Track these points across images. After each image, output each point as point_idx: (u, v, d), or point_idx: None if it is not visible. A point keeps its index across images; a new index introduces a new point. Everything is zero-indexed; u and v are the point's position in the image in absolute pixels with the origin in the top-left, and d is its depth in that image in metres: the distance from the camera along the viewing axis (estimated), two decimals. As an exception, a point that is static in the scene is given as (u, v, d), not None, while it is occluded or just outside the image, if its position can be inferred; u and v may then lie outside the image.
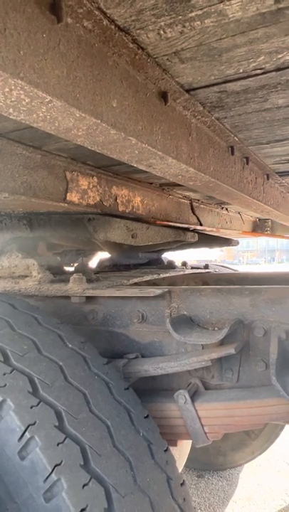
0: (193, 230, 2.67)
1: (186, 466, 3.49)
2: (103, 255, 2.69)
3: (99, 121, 0.72)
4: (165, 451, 1.12)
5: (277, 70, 0.93)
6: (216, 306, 1.49)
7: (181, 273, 2.49)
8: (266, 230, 4.31)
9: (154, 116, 0.98)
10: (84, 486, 0.83)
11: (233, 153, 1.49)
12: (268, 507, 3.03)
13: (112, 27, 0.74)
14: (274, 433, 3.26)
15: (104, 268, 2.49)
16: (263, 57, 0.88)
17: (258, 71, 0.94)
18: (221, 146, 1.42)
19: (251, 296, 1.44)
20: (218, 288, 1.51)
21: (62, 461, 0.84)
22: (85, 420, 0.96)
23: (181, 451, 2.26)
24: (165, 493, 1.02)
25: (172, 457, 1.12)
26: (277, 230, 4.36)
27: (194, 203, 2.72)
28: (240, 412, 1.24)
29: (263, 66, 0.92)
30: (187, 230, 2.36)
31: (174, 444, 1.34)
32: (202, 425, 1.27)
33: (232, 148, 1.49)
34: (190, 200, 2.68)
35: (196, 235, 2.36)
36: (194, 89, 1.03)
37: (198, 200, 2.78)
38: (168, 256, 3.14)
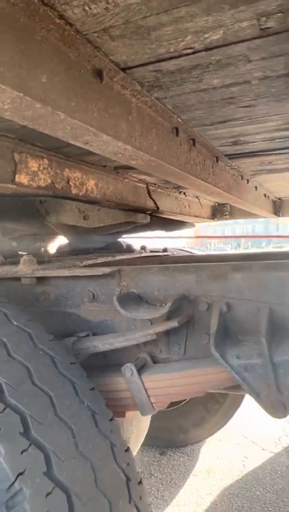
0: (146, 212, 2.71)
1: (149, 444, 3.60)
2: (62, 241, 2.69)
3: (22, 94, 0.73)
4: (110, 420, 1.17)
5: (206, 49, 0.97)
6: (162, 283, 1.54)
7: (138, 256, 2.53)
8: (225, 214, 4.41)
9: (90, 93, 0.99)
10: (23, 451, 0.86)
11: (178, 135, 1.53)
12: (226, 478, 3.18)
13: (36, 1, 0.75)
14: (231, 409, 3.40)
15: (62, 253, 2.49)
16: (190, 36, 0.91)
17: (188, 50, 0.97)
18: (165, 127, 1.45)
19: (196, 272, 1.50)
20: (165, 266, 1.56)
21: (0, 429, 0.86)
22: (27, 391, 0.98)
23: (140, 425, 2.33)
24: (108, 458, 1.07)
25: (117, 426, 1.17)
26: (235, 214, 4.47)
27: (151, 187, 2.75)
28: (183, 381, 1.30)
29: (192, 46, 0.95)
30: (138, 211, 2.39)
31: (123, 415, 1.39)
32: (148, 396, 1.33)
33: (176, 129, 1.52)
34: (146, 183, 2.70)
35: (148, 216, 2.40)
36: (130, 67, 1.06)
37: (155, 184, 2.81)
38: (127, 240, 3.17)
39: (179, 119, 1.46)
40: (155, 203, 2.80)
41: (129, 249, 2.89)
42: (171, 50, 0.97)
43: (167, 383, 1.32)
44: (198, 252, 3.90)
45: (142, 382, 1.33)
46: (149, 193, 2.73)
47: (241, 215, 4.48)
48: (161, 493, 3.02)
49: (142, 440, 2.42)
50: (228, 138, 1.77)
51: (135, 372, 1.34)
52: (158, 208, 2.82)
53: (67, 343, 1.43)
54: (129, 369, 1.34)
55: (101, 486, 0.98)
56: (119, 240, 2.96)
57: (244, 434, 3.84)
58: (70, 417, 1.03)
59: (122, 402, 1.36)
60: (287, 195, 4.08)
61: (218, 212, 4.36)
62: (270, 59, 1.02)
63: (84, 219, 1.84)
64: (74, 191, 1.97)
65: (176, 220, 3.05)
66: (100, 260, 2.06)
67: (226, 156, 2.10)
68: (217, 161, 2.07)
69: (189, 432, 3.51)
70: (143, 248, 3.09)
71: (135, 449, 2.35)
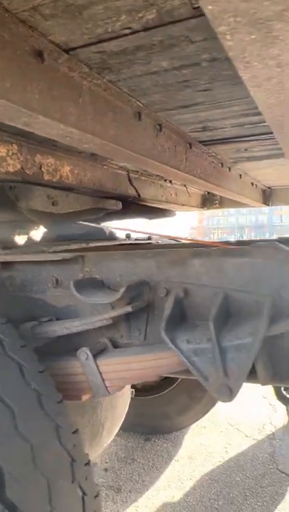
0: (127, 200, 2.70)
1: (133, 430, 3.64)
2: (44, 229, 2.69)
3: None
4: (58, 402, 1.18)
5: (145, 30, 0.96)
6: (124, 269, 1.54)
7: (117, 243, 2.53)
8: (215, 203, 4.39)
9: (29, 74, 0.98)
10: None
11: (140, 119, 1.52)
12: (207, 464, 3.22)
13: None
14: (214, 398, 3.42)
15: (38, 241, 2.49)
16: (124, 16, 0.90)
17: (127, 31, 0.96)
18: (125, 111, 1.44)
19: (156, 258, 1.50)
20: (127, 252, 1.56)
21: None
22: None
23: (116, 412, 2.36)
24: (51, 440, 1.08)
25: (65, 408, 1.18)
26: (225, 204, 4.45)
27: (132, 174, 2.74)
28: (137, 365, 1.31)
29: (130, 26, 0.94)
30: (108, 197, 2.38)
31: (79, 398, 1.40)
32: (103, 379, 1.34)
33: (139, 113, 1.51)
34: (127, 171, 2.69)
35: (120, 202, 2.39)
36: (72, 48, 1.04)
37: (137, 171, 2.79)
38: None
39: (139, 103, 1.45)
40: (136, 191, 2.79)
41: (112, 237, 2.89)
42: (109, 30, 0.96)
43: (122, 367, 1.33)
44: (185, 241, 3.88)
45: (97, 366, 1.35)
46: (130, 180, 2.72)
47: (232, 205, 4.45)
48: (142, 478, 3.06)
49: (118, 426, 2.45)
50: (195, 123, 1.75)
51: (90, 356, 1.35)
52: (139, 195, 2.80)
53: (26, 327, 1.44)
54: (84, 353, 1.35)
55: (40, 466, 0.99)
56: (101, 227, 2.96)
57: (229, 422, 3.87)
58: (13, 399, 1.04)
59: (78, 385, 1.38)
60: (276, 184, 4.05)
61: (207, 201, 4.33)
62: (212, 40, 1.00)
63: (53, 205, 1.84)
64: (47, 177, 1.96)
65: (156, 208, 3.04)
66: (73, 247, 2.06)
67: (200, 142, 2.08)
68: (191, 148, 2.06)
69: (173, 419, 3.55)
70: (127, 236, 3.09)
71: (111, 434, 2.38)
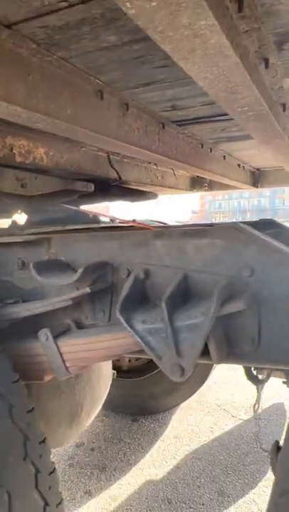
0: (109, 182, 2.67)
1: (121, 411, 3.70)
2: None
3: None
4: (14, 382, 1.19)
5: (83, 2, 0.93)
6: (88, 250, 1.54)
7: (96, 226, 2.53)
8: (204, 186, 4.36)
9: None
10: None
11: (102, 98, 1.49)
12: (192, 443, 3.27)
13: None
14: (201, 378, 3.46)
15: (19, 225, 2.48)
16: (57, -13, 0.87)
17: (64, 3, 0.93)
18: (85, 89, 1.41)
19: (119, 240, 1.50)
20: (92, 234, 1.56)
21: None
22: None
23: (95, 393, 2.38)
24: (3, 418, 1.09)
25: (21, 387, 1.20)
26: (215, 187, 4.41)
27: (112, 156, 2.70)
28: (96, 346, 1.32)
29: (65, -3, 0.91)
30: (78, 179, 2.36)
31: (41, 379, 1.42)
32: (63, 360, 1.35)
33: (101, 92, 1.48)
34: (107, 152, 2.65)
35: (92, 184, 2.37)
36: (14, 23, 1.02)
37: (118, 153, 2.76)
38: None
39: (98, 81, 1.42)
40: (118, 173, 2.76)
41: (95, 220, 2.88)
42: (46, 3, 0.93)
43: (81, 348, 1.34)
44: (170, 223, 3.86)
45: (58, 347, 1.35)
46: (110, 162, 2.69)
47: (222, 187, 4.41)
48: (128, 457, 3.12)
49: (99, 407, 2.48)
50: (164, 102, 1.72)
51: (50, 337, 1.35)
52: (120, 177, 2.78)
53: (-11, 309, 1.44)
54: (44, 334, 1.36)
55: (-12, 443, 1.01)
56: (84, 210, 2.94)
57: (217, 402, 3.92)
58: None
59: (39, 365, 1.39)
60: (265, 166, 4.00)
61: (196, 183, 4.29)
62: (155, 12, 0.97)
63: (22, 187, 1.83)
64: (19, 159, 1.94)
65: (137, 190, 3.01)
66: (46, 230, 2.06)
67: (173, 122, 2.05)
68: (164, 128, 2.02)
69: (160, 400, 3.59)
70: (112, 220, 3.07)
71: (91, 415, 2.41)
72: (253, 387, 3.10)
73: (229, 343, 1.29)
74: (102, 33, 1.08)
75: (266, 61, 1.24)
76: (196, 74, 0.88)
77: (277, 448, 0.55)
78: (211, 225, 1.74)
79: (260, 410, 3.76)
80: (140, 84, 1.47)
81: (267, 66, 1.25)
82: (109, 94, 1.53)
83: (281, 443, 0.55)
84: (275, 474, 0.49)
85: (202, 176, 3.11)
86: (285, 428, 2.63)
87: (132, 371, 3.59)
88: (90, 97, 1.45)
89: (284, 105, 1.72)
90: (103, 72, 1.36)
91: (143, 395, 3.61)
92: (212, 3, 0.60)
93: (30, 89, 1.16)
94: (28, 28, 1.04)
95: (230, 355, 1.28)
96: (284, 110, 1.75)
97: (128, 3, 0.57)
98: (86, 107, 1.42)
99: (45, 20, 1.01)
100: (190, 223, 4.09)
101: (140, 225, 2.46)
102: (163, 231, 1.46)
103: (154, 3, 0.56)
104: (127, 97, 1.62)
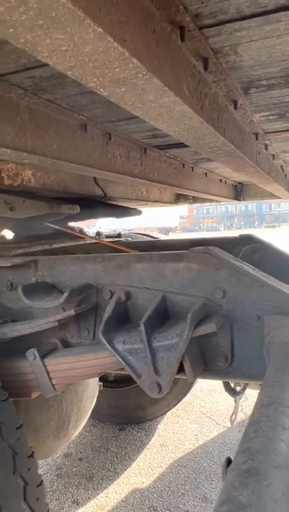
0: (94, 199, 2.77)
1: (109, 421, 3.77)
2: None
3: None
4: (3, 400, 1.28)
5: (65, 60, 1.03)
6: (74, 273, 1.63)
7: (82, 242, 2.62)
8: (188, 199, 4.49)
9: None
10: None
11: (86, 130, 1.60)
12: (178, 451, 3.36)
13: None
14: (185, 387, 3.56)
15: (5, 242, 2.57)
16: (42, 49, 0.97)
17: (49, 61, 1.04)
18: (70, 124, 1.52)
19: (103, 262, 1.60)
20: (76, 256, 1.65)
21: None
22: None
23: (82, 405, 2.46)
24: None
25: (10, 405, 1.28)
26: (199, 199, 4.54)
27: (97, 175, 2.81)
28: (80, 364, 1.41)
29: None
30: (64, 202, 2.46)
31: (29, 396, 1.50)
32: (50, 378, 1.44)
33: (85, 125, 1.59)
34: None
35: (77, 206, 2.47)
36: (3, 75, 1.12)
37: (100, 177, 2.86)
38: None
39: (82, 116, 1.53)
40: (103, 191, 2.86)
41: (80, 236, 2.97)
42: (32, 60, 1.03)
43: (66, 366, 1.43)
44: (158, 238, 3.98)
45: (45, 366, 1.44)
46: (96, 180, 2.79)
47: (205, 200, 4.55)
48: (114, 466, 3.19)
49: (86, 418, 2.56)
50: (144, 132, 1.83)
51: (38, 356, 1.44)
52: (106, 195, 2.88)
53: (-21, 329, 1.53)
54: (31, 354, 1.44)
55: (-21, 459, 1.09)
56: (71, 225, 3.04)
57: (202, 410, 4.02)
58: None
59: (27, 383, 1.47)
60: (246, 180, 4.14)
61: (181, 197, 4.42)
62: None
63: (10, 210, 1.92)
64: (7, 182, 2.03)
65: (122, 207, 3.12)
66: (34, 249, 2.14)
67: (154, 147, 2.17)
68: (145, 152, 2.14)
69: (147, 409, 3.68)
70: (98, 234, 3.17)
71: (78, 426, 2.49)
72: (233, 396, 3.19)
73: (204, 360, 1.39)
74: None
75: (235, 103, 1.37)
76: (165, 128, 0.99)
77: (228, 463, 0.65)
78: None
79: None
80: (122, 118, 1.59)
81: (236, 107, 1.37)
82: (93, 126, 1.64)
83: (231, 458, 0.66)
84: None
85: (185, 193, 3.23)
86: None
87: (119, 381, 3.67)
88: (75, 131, 1.55)
89: (256, 134, 1.85)
90: (86, 110, 1.47)
91: (130, 405, 3.69)
92: (173, 85, 0.72)
93: (18, 129, 1.26)
94: (16, 78, 1.15)
95: (205, 371, 1.39)
96: (257, 139, 1.88)
97: (102, 89, 0.68)
98: (70, 140, 1.53)
99: (32, 73, 1.11)
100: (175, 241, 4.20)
101: (106, 243, 2.55)
102: (144, 254, 1.56)
103: (123, 89, 0.67)
104: (109, 128, 1.73)
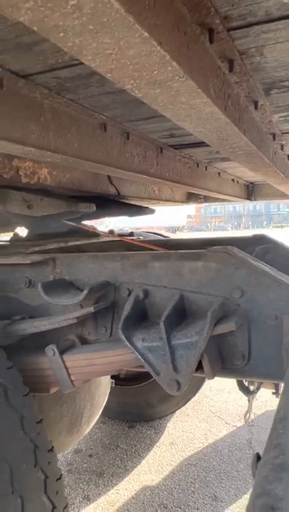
0: (108, 198, 2.79)
1: (118, 418, 3.80)
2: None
3: None
4: (25, 395, 1.30)
5: (92, 61, 1.05)
6: (92, 271, 1.65)
7: (96, 240, 2.64)
8: (200, 198, 4.49)
9: (-11, 100, 1.08)
10: None
11: (106, 130, 1.61)
12: (187, 449, 3.38)
13: None
14: (195, 386, 3.57)
15: (21, 239, 2.60)
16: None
17: (76, 61, 1.06)
18: (90, 124, 1.53)
19: (121, 261, 1.61)
20: (95, 254, 1.67)
21: None
22: None
23: (95, 401, 2.49)
24: (15, 428, 1.20)
25: (31, 400, 1.30)
26: (210, 199, 4.54)
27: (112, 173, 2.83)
28: (99, 361, 1.43)
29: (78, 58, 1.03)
30: (84, 198, 2.48)
31: (47, 391, 1.53)
32: (68, 374, 1.46)
33: (104, 125, 1.60)
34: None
35: (94, 205, 2.49)
36: (30, 75, 1.14)
37: (117, 175, 2.87)
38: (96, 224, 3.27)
39: (102, 116, 1.55)
40: (116, 189, 2.88)
41: (94, 234, 3.00)
42: (60, 61, 1.05)
43: (85, 363, 1.45)
44: (169, 236, 3.99)
45: (63, 362, 1.46)
46: (110, 179, 2.81)
47: (216, 199, 4.55)
48: (124, 463, 3.22)
49: (98, 415, 2.58)
50: (162, 131, 1.84)
51: (57, 352, 1.46)
52: (119, 193, 2.90)
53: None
54: (51, 350, 1.47)
55: (3, 452, 1.12)
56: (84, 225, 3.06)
57: (211, 410, 4.03)
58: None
59: (46, 379, 1.50)
60: (258, 180, 4.14)
61: (192, 196, 4.42)
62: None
63: (28, 208, 1.94)
64: (24, 180, 2.05)
65: (136, 206, 3.14)
66: (50, 246, 2.17)
67: (170, 146, 2.18)
68: (162, 152, 2.15)
69: (156, 407, 3.70)
70: (111, 232, 3.19)
71: (90, 422, 2.52)
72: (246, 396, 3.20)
73: (221, 358, 1.40)
74: (109, 82, 1.20)
75: (256, 103, 1.37)
76: (191, 129, 1.00)
77: (258, 458, 0.67)
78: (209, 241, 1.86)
79: (252, 417, 3.88)
80: (141, 118, 1.60)
81: (256, 107, 1.38)
82: (112, 126, 1.66)
83: (261, 453, 0.67)
84: (254, 480, 0.60)
85: (198, 193, 3.24)
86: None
87: (129, 379, 3.69)
88: (94, 130, 1.57)
89: (274, 135, 1.85)
90: (107, 109, 1.48)
91: (140, 403, 3.71)
92: (204, 87, 0.73)
93: (42, 129, 1.28)
94: (42, 78, 1.17)
95: (223, 369, 1.40)
96: (274, 139, 1.89)
97: (137, 91, 0.70)
98: (90, 139, 1.55)
99: (58, 73, 1.13)
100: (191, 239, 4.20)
101: (130, 240, 2.58)
102: (161, 253, 1.58)
103: (158, 90, 0.69)
104: (128, 127, 1.74)
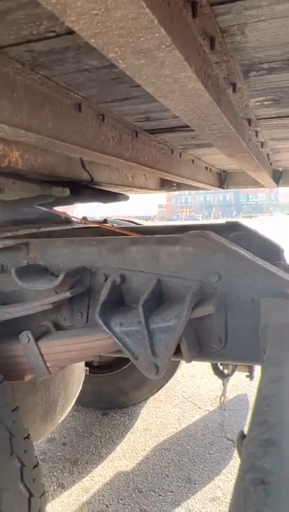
0: (81, 184, 2.74)
1: (92, 406, 3.79)
2: None
3: None
4: (-1, 383, 1.26)
5: (69, 33, 1.00)
6: (67, 256, 1.62)
7: (69, 227, 2.59)
8: (173, 186, 4.48)
9: None
10: None
11: (80, 110, 1.57)
12: (161, 435, 3.41)
13: None
14: (168, 373, 3.60)
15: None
16: (46, 21, 0.94)
17: (51, 33, 1.01)
18: (64, 103, 1.48)
19: (98, 246, 1.58)
20: (70, 239, 1.63)
21: None
22: None
23: (69, 389, 2.46)
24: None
25: (6, 388, 1.27)
26: (183, 186, 4.54)
27: (85, 158, 2.77)
28: (76, 347, 1.41)
29: (53, 29, 0.99)
30: (57, 182, 2.42)
31: (22, 379, 1.49)
32: (44, 361, 1.43)
33: (79, 105, 1.55)
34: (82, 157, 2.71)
35: (68, 189, 2.44)
36: (2, 47, 1.08)
37: (92, 159, 2.81)
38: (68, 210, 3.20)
39: (77, 95, 1.50)
40: (90, 175, 2.82)
41: (67, 221, 2.94)
42: (35, 32, 1.00)
43: (61, 349, 1.42)
44: (142, 224, 3.97)
45: (39, 348, 1.43)
46: (83, 164, 2.75)
47: (190, 187, 4.55)
48: (99, 450, 3.22)
49: (72, 403, 2.56)
50: (138, 114, 1.81)
51: (32, 339, 1.43)
52: (92, 179, 2.85)
53: None
54: (25, 336, 1.43)
55: (-23, 441, 1.08)
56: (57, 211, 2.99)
57: (184, 395, 4.08)
58: None
59: (20, 366, 1.46)
60: (230, 169, 4.17)
61: (166, 183, 4.41)
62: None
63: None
64: (-6, 163, 1.98)
65: (109, 192, 3.10)
66: (21, 232, 2.10)
67: (146, 130, 2.15)
68: (137, 136, 2.12)
69: (130, 394, 3.71)
70: (84, 219, 3.14)
71: (65, 410, 2.49)
72: (218, 380, 3.29)
73: (199, 342, 1.41)
74: (85, 58, 1.16)
75: (234, 86, 1.36)
76: (173, 107, 0.98)
77: (242, 436, 0.67)
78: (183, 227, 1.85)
79: (224, 402, 3.97)
80: (116, 99, 1.56)
81: (234, 90, 1.37)
82: (87, 106, 1.61)
83: (245, 432, 0.67)
84: (240, 457, 0.60)
85: (172, 179, 3.22)
86: (249, 418, 2.82)
87: (103, 367, 3.68)
88: (69, 110, 1.52)
89: (249, 120, 1.85)
90: (82, 89, 1.44)
91: (113, 390, 3.71)
92: (191, 60, 0.71)
93: (15, 106, 1.22)
94: (15, 51, 1.11)
95: (200, 353, 1.41)
96: (249, 125, 1.89)
97: (121, 61, 0.67)
98: (65, 120, 1.49)
99: (32, 46, 1.08)
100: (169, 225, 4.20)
101: (108, 227, 2.55)
102: (138, 238, 1.56)
103: (142, 61, 0.66)
104: (103, 109, 1.70)
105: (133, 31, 0.55)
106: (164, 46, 0.61)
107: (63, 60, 1.17)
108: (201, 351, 1.41)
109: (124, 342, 1.32)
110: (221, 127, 1.21)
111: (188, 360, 1.36)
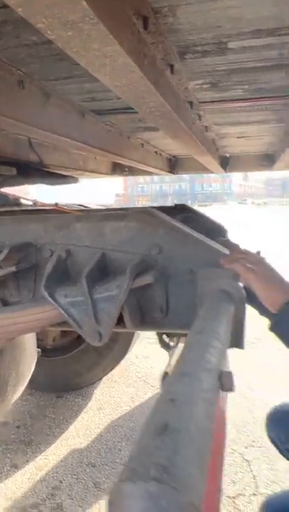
0: (29, 166, 2.72)
1: (47, 390, 3.81)
2: None
3: None
4: None
5: (4, 7, 1.02)
6: (13, 232, 1.63)
7: (17, 208, 2.58)
8: (125, 171, 4.52)
9: None
10: None
11: (23, 87, 1.57)
12: (114, 413, 3.51)
13: None
14: (120, 353, 3.69)
15: None
16: (-19, -8, 0.96)
17: (-12, 6, 1.02)
18: (7, 79, 1.49)
19: (44, 222, 1.61)
20: (16, 217, 1.65)
21: None
22: None
23: (20, 369, 2.48)
24: None
25: None
26: (135, 171, 4.59)
27: (33, 139, 2.74)
28: (24, 319, 1.44)
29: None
30: (3, 162, 2.41)
31: None
32: (-9, 334, 1.46)
33: (22, 82, 1.56)
34: (28, 136, 2.69)
35: (14, 168, 2.43)
36: None
37: (38, 138, 2.80)
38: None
39: (20, 71, 1.50)
40: (39, 157, 2.81)
41: (16, 203, 2.92)
42: None
43: (8, 322, 1.45)
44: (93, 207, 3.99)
45: (-16, 323, 1.45)
46: (31, 145, 2.73)
47: (142, 172, 4.62)
48: (53, 431, 3.27)
49: (25, 383, 2.58)
50: (83, 94, 1.84)
51: (-23, 313, 1.44)
52: (42, 162, 2.83)
53: None
54: (-29, 311, 1.44)
55: None
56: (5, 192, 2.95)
57: (137, 375, 4.20)
58: None
59: None
60: (180, 154, 4.28)
61: (117, 168, 4.45)
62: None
63: None
64: None
65: (58, 174, 3.10)
66: None
67: (92, 111, 2.17)
68: (84, 116, 2.14)
69: (83, 375, 3.77)
70: (34, 202, 3.12)
71: (17, 391, 2.51)
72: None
73: (141, 312, 1.49)
74: (24, 33, 1.18)
75: (172, 67, 1.43)
76: (107, 82, 1.03)
77: (165, 374, 0.75)
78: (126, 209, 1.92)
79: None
80: (60, 77, 1.58)
81: (172, 71, 1.44)
82: (30, 83, 1.62)
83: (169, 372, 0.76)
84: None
85: (122, 162, 3.27)
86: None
87: (57, 350, 3.71)
88: (12, 86, 1.52)
89: (191, 103, 1.93)
90: (23, 65, 1.45)
91: (67, 373, 3.76)
92: (116, 34, 0.76)
93: None
94: None
95: (143, 323, 1.49)
96: (191, 107, 1.97)
97: (49, 31, 0.70)
98: (8, 96, 1.50)
99: None
100: (112, 207, 4.24)
101: (62, 209, 2.57)
102: (84, 214, 1.60)
103: (70, 33, 0.70)
104: (47, 87, 1.71)
105: (58, 2, 0.60)
106: (87, 19, 0.65)
107: (3, 34, 1.18)
108: (143, 321, 1.49)
109: (69, 312, 1.37)
110: (158, 105, 1.28)
111: (132, 329, 1.43)
